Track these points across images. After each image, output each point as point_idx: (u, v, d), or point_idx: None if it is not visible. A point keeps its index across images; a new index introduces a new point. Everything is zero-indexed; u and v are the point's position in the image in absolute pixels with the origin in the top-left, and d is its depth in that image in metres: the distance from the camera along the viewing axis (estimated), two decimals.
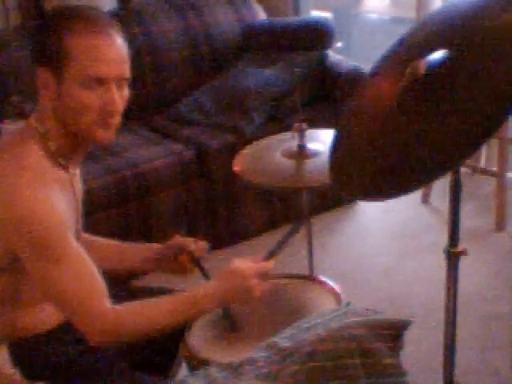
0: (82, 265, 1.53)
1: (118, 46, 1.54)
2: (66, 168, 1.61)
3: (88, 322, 1.51)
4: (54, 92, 1.53)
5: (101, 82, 1.51)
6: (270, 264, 1.64)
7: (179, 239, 1.84)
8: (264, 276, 1.62)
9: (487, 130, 1.23)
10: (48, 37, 1.52)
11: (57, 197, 1.53)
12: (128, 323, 1.54)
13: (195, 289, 1.60)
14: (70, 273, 1.50)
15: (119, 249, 1.89)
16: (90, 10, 1.58)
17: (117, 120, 1.57)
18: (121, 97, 1.56)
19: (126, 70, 1.56)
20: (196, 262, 1.81)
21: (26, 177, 1.50)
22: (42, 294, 1.58)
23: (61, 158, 1.59)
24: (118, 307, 1.53)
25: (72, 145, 1.60)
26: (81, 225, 1.77)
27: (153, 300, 1.58)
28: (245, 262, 1.62)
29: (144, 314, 1.55)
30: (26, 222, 1.47)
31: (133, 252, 1.88)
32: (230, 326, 1.67)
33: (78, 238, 1.67)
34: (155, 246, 1.87)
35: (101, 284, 1.54)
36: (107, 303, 1.52)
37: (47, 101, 1.56)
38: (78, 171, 1.70)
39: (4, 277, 1.59)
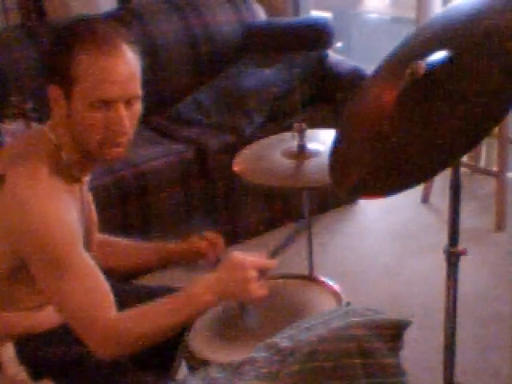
0: (90, 277, 1.53)
1: (125, 64, 1.51)
2: (78, 179, 1.63)
3: (92, 334, 1.51)
4: (64, 109, 1.54)
5: (107, 103, 1.50)
6: (273, 263, 1.60)
7: (197, 244, 1.85)
8: (264, 273, 1.58)
9: (486, 128, 1.24)
10: (58, 57, 1.52)
11: (68, 208, 1.54)
12: (130, 330, 1.52)
13: (193, 284, 1.56)
14: (76, 285, 1.50)
15: (135, 247, 1.91)
16: (100, 26, 1.54)
17: (126, 138, 1.58)
18: (131, 115, 1.55)
19: (134, 88, 1.54)
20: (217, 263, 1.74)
21: (38, 189, 1.50)
22: (47, 300, 1.59)
23: (73, 169, 1.60)
24: (119, 315, 1.52)
25: (84, 159, 1.61)
26: (96, 228, 1.79)
27: (151, 303, 1.56)
28: (246, 256, 1.58)
29: (144, 319, 1.53)
30: (38, 235, 1.48)
31: (149, 251, 1.89)
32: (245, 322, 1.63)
33: (91, 246, 1.68)
34: (171, 246, 1.87)
35: (107, 295, 1.53)
36: (112, 314, 1.52)
37: (59, 116, 1.57)
38: (87, 178, 1.71)
39: (3, 283, 1.60)
